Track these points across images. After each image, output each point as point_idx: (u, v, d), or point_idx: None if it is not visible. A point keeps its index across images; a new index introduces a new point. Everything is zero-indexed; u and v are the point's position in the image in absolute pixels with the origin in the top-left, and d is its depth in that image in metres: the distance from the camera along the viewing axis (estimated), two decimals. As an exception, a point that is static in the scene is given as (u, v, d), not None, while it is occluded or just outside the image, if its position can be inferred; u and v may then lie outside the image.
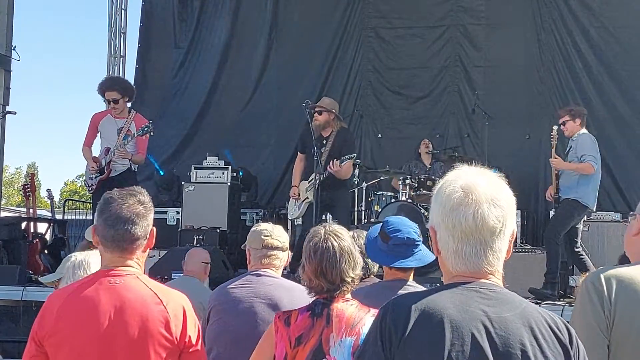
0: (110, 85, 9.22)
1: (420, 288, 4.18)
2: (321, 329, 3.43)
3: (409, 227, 4.17)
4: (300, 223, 9.44)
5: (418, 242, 4.13)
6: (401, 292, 4.03)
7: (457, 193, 2.23)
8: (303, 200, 9.13)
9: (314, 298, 3.55)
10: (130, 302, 3.04)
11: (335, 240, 3.54)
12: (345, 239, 3.57)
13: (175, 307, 3.08)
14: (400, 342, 2.11)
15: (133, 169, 9.29)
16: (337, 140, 8.99)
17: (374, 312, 3.44)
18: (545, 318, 2.19)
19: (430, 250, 4.26)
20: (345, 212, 9.23)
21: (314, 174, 8.72)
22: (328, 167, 8.69)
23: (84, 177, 9.46)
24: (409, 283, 4.15)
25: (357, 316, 3.43)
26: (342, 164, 8.70)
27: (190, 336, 3.09)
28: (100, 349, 3.02)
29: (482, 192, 2.22)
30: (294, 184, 9.34)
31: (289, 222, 10.17)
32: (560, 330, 2.18)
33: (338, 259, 3.49)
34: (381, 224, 4.28)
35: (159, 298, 3.06)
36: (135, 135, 9.01)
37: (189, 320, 3.10)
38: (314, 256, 3.52)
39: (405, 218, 4.30)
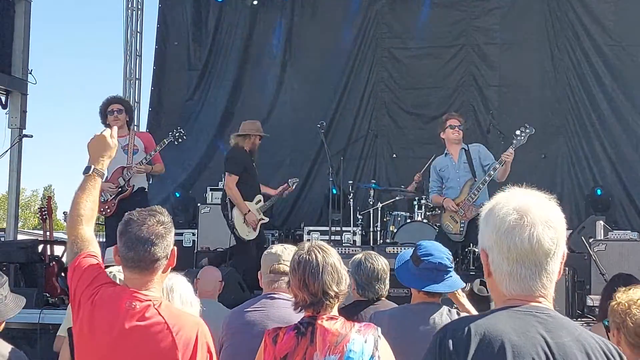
0: (116, 99, 9.50)
1: (456, 311, 4.17)
2: (305, 348, 3.41)
3: (442, 253, 4.17)
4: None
5: (450, 269, 4.12)
6: (436, 315, 4.02)
7: (512, 215, 2.21)
8: (258, 222, 9.32)
9: (299, 313, 3.54)
10: (139, 329, 3.05)
11: (319, 253, 3.53)
12: (330, 254, 3.56)
13: (187, 335, 3.07)
14: None
15: (145, 189, 9.42)
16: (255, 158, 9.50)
17: (358, 327, 3.44)
18: (599, 344, 2.18)
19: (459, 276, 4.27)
20: None
21: (258, 195, 9.39)
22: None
23: None
24: (444, 307, 4.13)
25: (340, 334, 3.40)
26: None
27: None
28: None
29: (537, 213, 2.22)
30: (248, 209, 9.25)
31: (305, 243, 10.13)
32: (613, 356, 2.18)
33: (320, 271, 3.47)
34: (414, 247, 4.28)
35: (169, 328, 3.05)
36: (166, 143, 9.31)
37: (200, 349, 3.09)
38: (297, 268, 3.52)
39: (438, 243, 4.29)
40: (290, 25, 13.57)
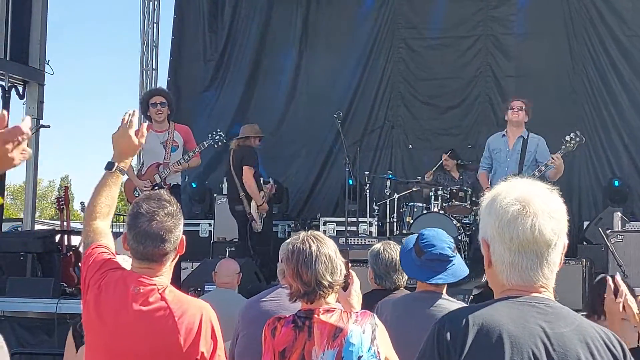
0: (159, 91, 9.57)
1: (454, 301, 4.16)
2: (303, 342, 3.38)
3: (444, 242, 4.14)
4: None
5: (452, 258, 4.11)
6: (434, 306, 4.01)
7: (515, 205, 2.21)
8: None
9: (294, 302, 3.52)
10: (142, 314, 3.07)
11: (313, 242, 3.48)
12: (325, 244, 3.51)
13: (189, 320, 3.08)
14: (460, 358, 2.10)
15: (179, 184, 9.29)
16: None
17: (355, 317, 3.40)
18: (600, 334, 2.17)
19: (465, 263, 4.27)
20: None
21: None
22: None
23: (126, 196, 9.09)
24: (443, 296, 4.13)
25: (338, 327, 3.36)
26: None
27: (203, 352, 3.08)
28: (107, 349, 3.11)
29: (539, 204, 2.21)
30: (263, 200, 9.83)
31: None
32: (614, 346, 2.16)
33: (313, 261, 3.42)
34: (416, 236, 4.26)
35: (172, 312, 3.07)
36: (206, 146, 9.22)
37: (204, 334, 3.09)
38: (291, 257, 3.48)
39: (441, 231, 4.27)
40: (306, 16, 13.54)
